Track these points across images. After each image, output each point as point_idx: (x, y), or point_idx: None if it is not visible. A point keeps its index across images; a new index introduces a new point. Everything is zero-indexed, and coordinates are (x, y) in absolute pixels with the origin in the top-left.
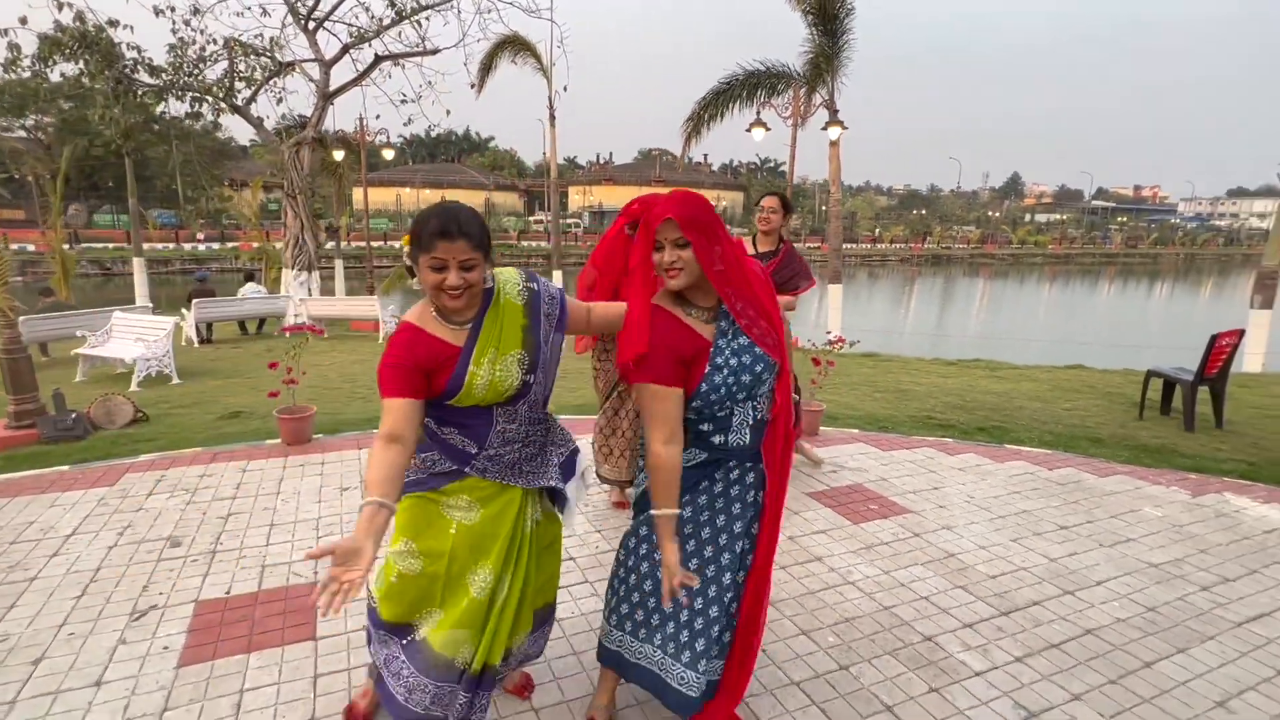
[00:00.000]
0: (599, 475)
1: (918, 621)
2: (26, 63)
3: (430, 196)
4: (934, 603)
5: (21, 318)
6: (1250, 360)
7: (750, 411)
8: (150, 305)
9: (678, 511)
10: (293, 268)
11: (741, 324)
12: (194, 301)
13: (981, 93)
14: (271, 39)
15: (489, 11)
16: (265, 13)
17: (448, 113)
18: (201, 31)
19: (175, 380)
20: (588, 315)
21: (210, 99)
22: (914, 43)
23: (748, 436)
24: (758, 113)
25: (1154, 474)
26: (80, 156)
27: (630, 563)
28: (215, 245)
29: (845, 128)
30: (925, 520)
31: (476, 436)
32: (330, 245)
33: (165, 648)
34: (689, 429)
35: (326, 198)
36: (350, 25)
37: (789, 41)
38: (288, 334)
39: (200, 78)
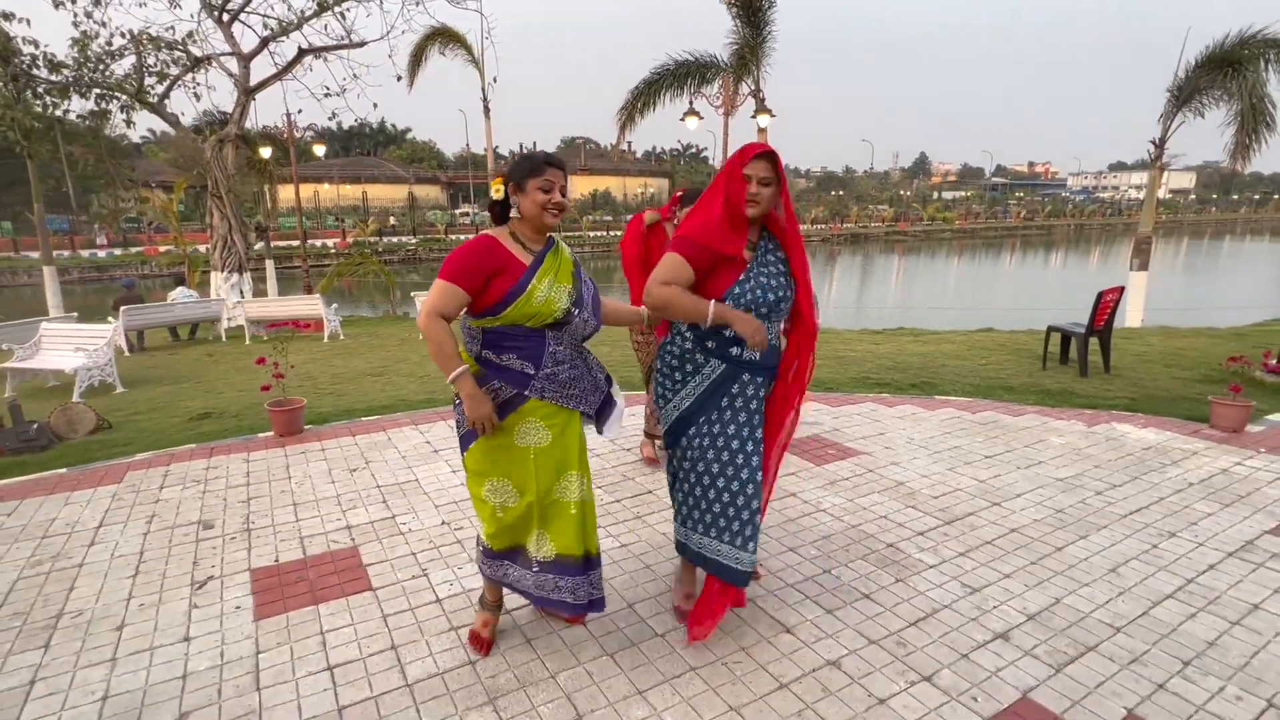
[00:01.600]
0: (648, 433)
1: (880, 534)
2: None
3: (351, 192)
4: (891, 519)
5: None
6: (1132, 316)
7: (771, 329)
8: (75, 315)
9: (711, 301)
10: (222, 269)
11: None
12: (122, 309)
13: (888, 75)
14: (188, 33)
15: (416, 4)
16: (174, 4)
17: (375, 106)
18: (104, 24)
19: (119, 389)
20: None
21: (119, 96)
22: (826, 30)
23: (759, 352)
24: (690, 102)
25: (1057, 411)
26: None
27: (680, 474)
28: (117, 251)
29: (773, 115)
30: (876, 459)
31: (533, 356)
32: (260, 245)
33: (237, 607)
34: (713, 338)
35: (253, 196)
36: (267, 17)
37: (718, 32)
38: (274, 330)
39: (107, 73)
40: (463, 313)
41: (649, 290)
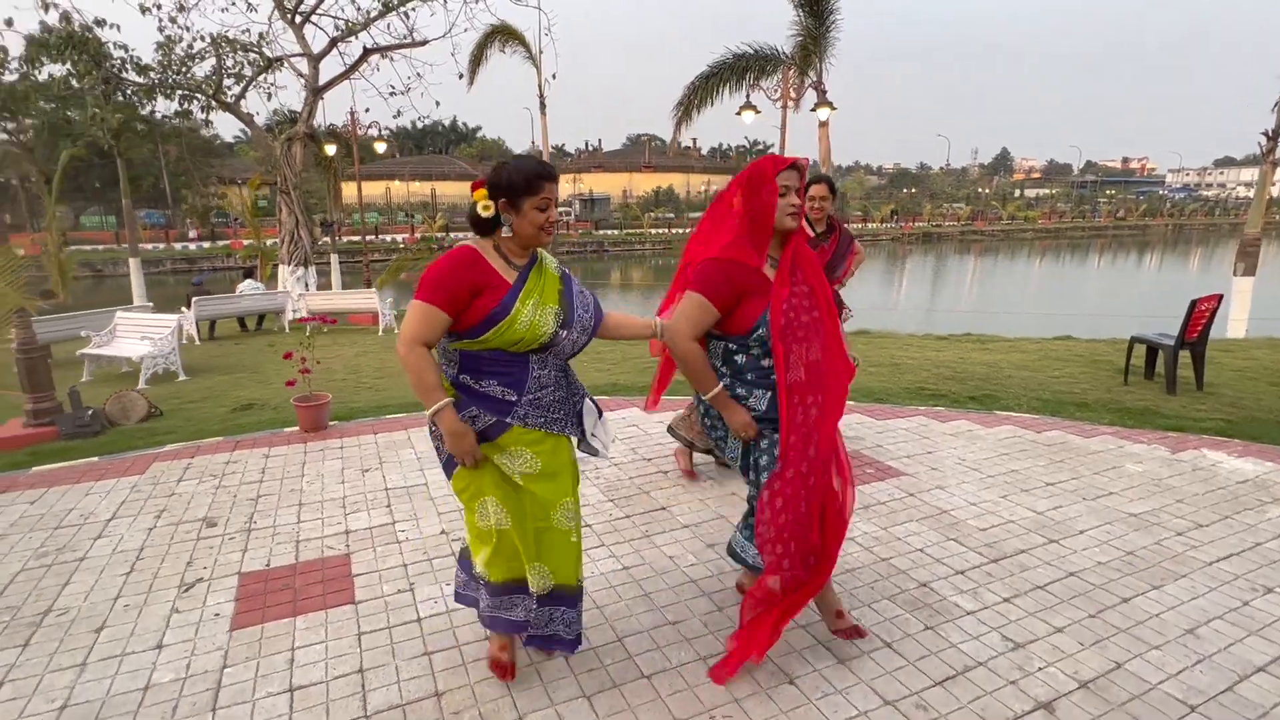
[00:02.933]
0: (674, 433)
1: (913, 570)
2: (14, 65)
3: (420, 189)
4: (928, 553)
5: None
6: (1234, 326)
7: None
8: (150, 305)
9: (720, 384)
10: (289, 263)
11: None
12: (194, 300)
13: (969, 68)
14: (260, 35)
15: (476, 1)
16: (251, 8)
17: (437, 104)
18: (188, 29)
19: (182, 377)
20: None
21: (199, 96)
22: (900, 24)
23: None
24: (746, 96)
25: (1136, 434)
26: (69, 156)
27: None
28: (205, 244)
29: (834, 108)
30: (919, 481)
31: (516, 383)
32: (325, 240)
33: (216, 614)
34: (750, 370)
35: (320, 192)
36: (337, 19)
37: (780, 24)
38: (305, 324)
39: (189, 75)
40: None
41: (674, 339)
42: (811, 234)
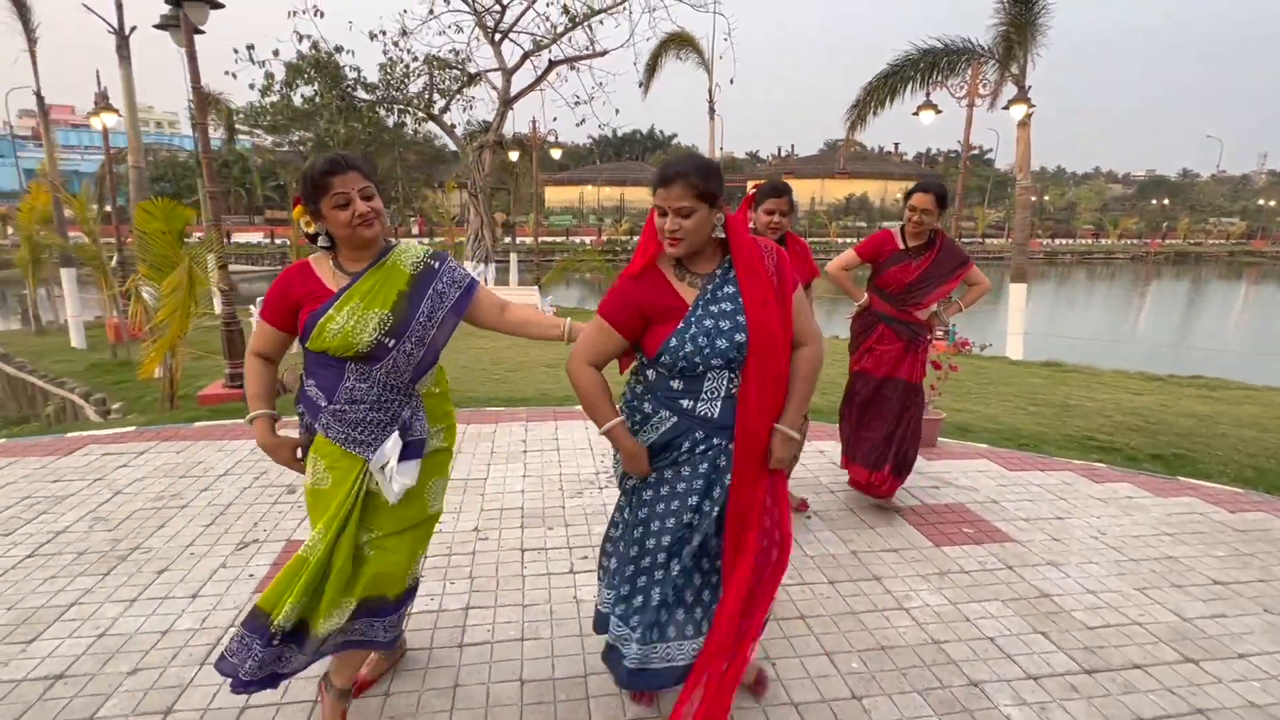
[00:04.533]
0: None
1: (969, 663)
2: (276, 88)
3: (610, 194)
4: (999, 645)
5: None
6: None
7: (726, 382)
8: None
9: (617, 418)
10: (471, 259)
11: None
12: None
13: (1246, 53)
14: (453, 50)
15: (656, 10)
16: (459, 29)
17: (616, 111)
18: (408, 51)
19: None
20: (500, 311)
21: (412, 110)
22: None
23: (718, 409)
24: (927, 95)
25: None
26: None
27: (644, 541)
28: (425, 240)
29: (1033, 106)
30: (1027, 552)
31: (326, 388)
32: (506, 240)
33: (251, 575)
34: (660, 389)
35: (509, 195)
36: (532, 35)
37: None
38: None
39: (405, 91)
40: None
41: (569, 364)
42: (901, 245)
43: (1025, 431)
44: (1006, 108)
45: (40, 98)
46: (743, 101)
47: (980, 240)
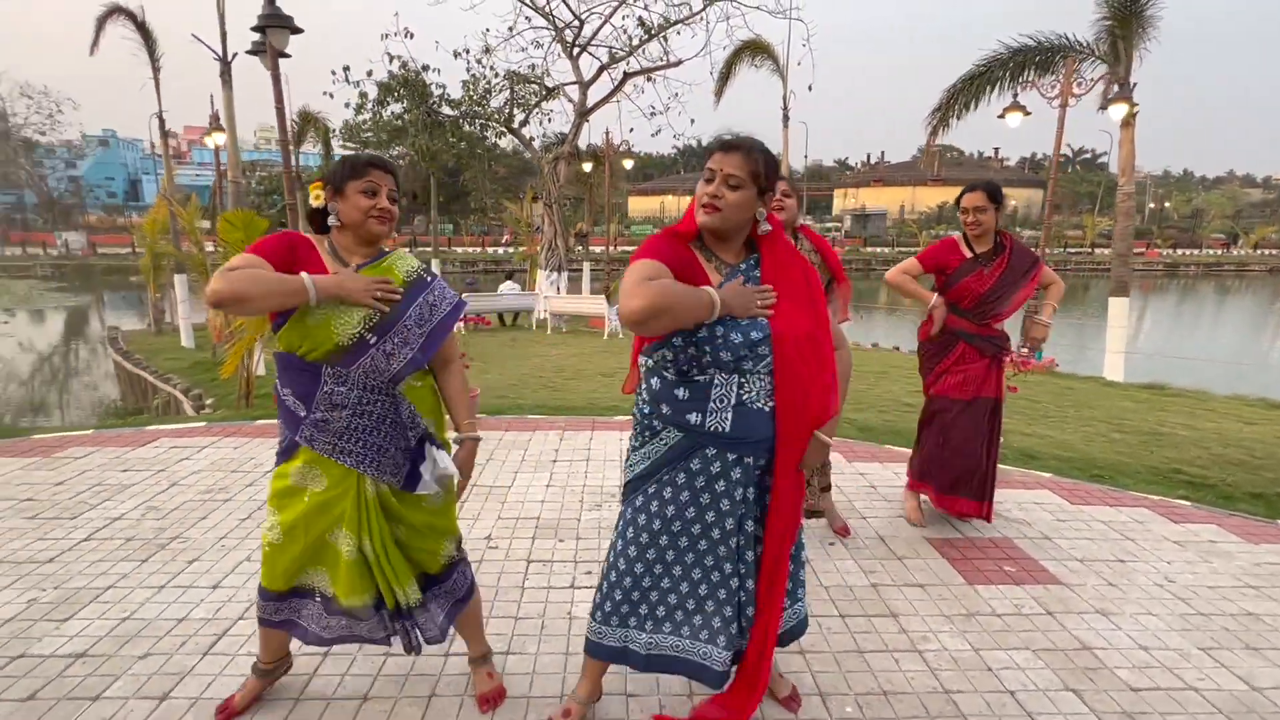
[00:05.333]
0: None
1: (979, 718)
2: (369, 106)
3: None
4: (1019, 700)
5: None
6: None
7: (734, 388)
8: None
9: (708, 289)
10: (545, 268)
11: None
12: (462, 295)
13: None
14: (541, 70)
15: (732, 17)
16: (538, 45)
17: (691, 122)
18: (491, 68)
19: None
20: (451, 356)
21: (493, 124)
22: None
23: (729, 421)
24: (1014, 96)
25: None
26: (423, 178)
27: (630, 552)
28: (510, 249)
29: (1135, 105)
30: (1074, 597)
31: (305, 395)
32: (578, 249)
33: None
34: (665, 400)
35: (583, 205)
36: (609, 48)
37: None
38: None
39: (486, 106)
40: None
41: (626, 306)
42: (968, 252)
43: (1101, 461)
44: (1104, 108)
45: (161, 120)
46: (831, 107)
47: (1089, 250)
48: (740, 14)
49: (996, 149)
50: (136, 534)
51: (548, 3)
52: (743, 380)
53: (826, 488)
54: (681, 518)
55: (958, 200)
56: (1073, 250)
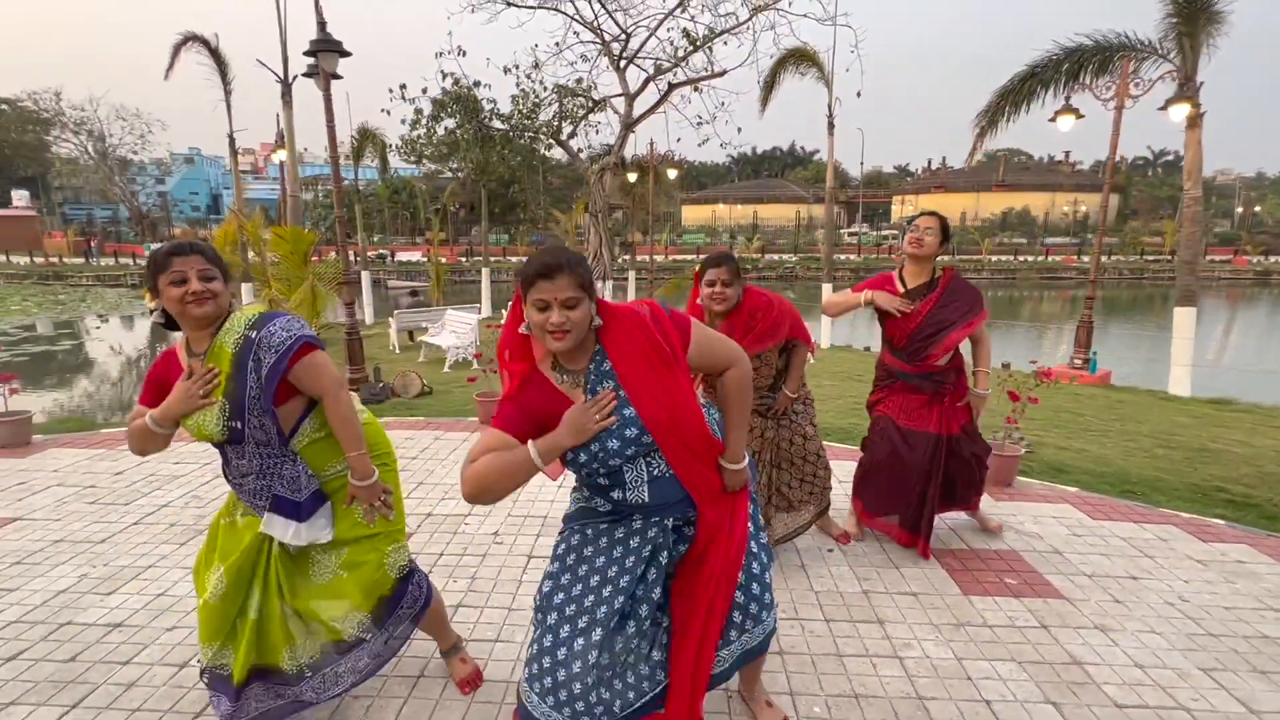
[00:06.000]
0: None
1: None
2: (423, 122)
3: (743, 212)
4: (994, 710)
5: (395, 311)
6: None
7: (645, 467)
8: (478, 306)
9: (529, 444)
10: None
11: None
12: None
13: None
14: (577, 79)
15: (778, 26)
16: (585, 59)
17: (739, 130)
18: (541, 82)
19: (475, 366)
20: (336, 389)
21: (542, 137)
22: None
23: (646, 493)
24: (1067, 98)
25: None
26: (477, 190)
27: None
28: None
29: (1197, 107)
30: (1074, 612)
31: (223, 465)
32: (624, 258)
33: None
34: (588, 484)
35: (629, 215)
36: (656, 60)
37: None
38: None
39: (535, 120)
40: None
41: (464, 473)
42: (900, 287)
43: (1136, 476)
44: (1164, 108)
45: (231, 139)
46: (891, 113)
47: (1169, 257)
48: (786, 22)
49: (1067, 153)
50: (179, 520)
51: (595, 17)
52: (649, 459)
53: (824, 510)
54: (617, 568)
55: (911, 219)
56: (1150, 258)
